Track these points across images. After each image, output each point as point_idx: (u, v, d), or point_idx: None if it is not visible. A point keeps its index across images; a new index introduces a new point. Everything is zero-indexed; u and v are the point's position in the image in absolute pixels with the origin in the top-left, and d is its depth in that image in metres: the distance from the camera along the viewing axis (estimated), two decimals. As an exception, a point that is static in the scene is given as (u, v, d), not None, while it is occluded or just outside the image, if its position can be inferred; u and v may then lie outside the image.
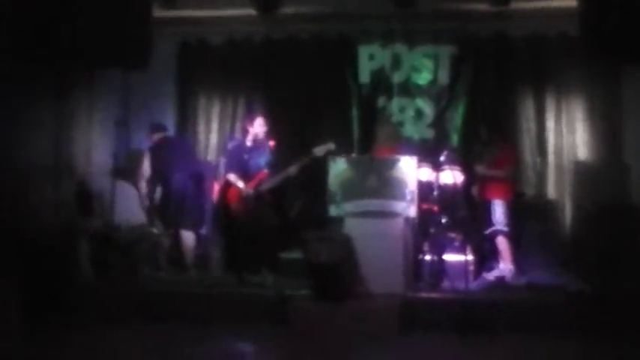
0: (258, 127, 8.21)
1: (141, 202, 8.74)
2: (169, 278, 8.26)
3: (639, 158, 8.88)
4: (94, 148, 9.30)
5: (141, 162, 8.73)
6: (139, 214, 8.80)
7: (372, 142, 9.15)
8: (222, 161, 8.89)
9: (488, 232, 8.19)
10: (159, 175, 8.66)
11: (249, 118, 8.50)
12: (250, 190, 8.05)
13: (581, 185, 8.99)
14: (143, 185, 8.70)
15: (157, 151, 8.73)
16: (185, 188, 8.61)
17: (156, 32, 7.89)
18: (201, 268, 8.71)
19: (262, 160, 8.15)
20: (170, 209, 8.59)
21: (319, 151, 7.91)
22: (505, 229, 8.13)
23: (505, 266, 8.14)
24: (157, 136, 8.85)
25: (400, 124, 9.65)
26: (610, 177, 8.82)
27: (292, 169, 7.96)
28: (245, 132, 8.32)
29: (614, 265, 7.90)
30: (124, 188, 8.76)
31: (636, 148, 9.00)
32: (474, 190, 8.38)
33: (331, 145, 7.94)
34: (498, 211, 8.13)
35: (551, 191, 9.33)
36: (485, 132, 8.54)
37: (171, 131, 9.47)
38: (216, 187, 8.67)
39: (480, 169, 8.28)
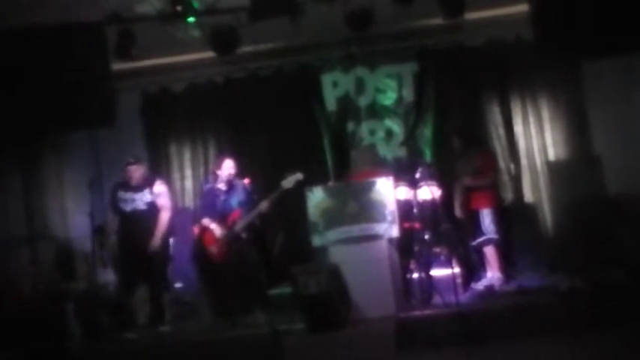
0: (226, 169, 8.16)
1: None
2: (162, 331, 8.15)
3: (609, 149, 8.96)
4: (70, 211, 9.24)
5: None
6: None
7: (346, 168, 9.19)
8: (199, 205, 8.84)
9: (478, 241, 8.21)
10: None
11: (217, 161, 8.49)
12: (224, 231, 8.01)
13: (556, 184, 9.06)
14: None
15: None
16: None
17: (117, 86, 7.91)
18: (190, 317, 8.61)
19: (234, 200, 8.10)
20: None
21: (288, 182, 7.86)
22: (495, 237, 8.17)
23: (493, 274, 8.18)
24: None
25: (372, 146, 9.69)
26: (583, 171, 8.89)
27: (263, 205, 7.90)
28: (215, 175, 8.30)
29: (599, 256, 7.95)
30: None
31: (604, 140, 9.09)
32: (457, 203, 8.40)
33: (299, 175, 7.89)
34: (487, 219, 8.18)
35: (528, 194, 9.40)
36: (457, 143, 8.61)
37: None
38: (196, 233, 8.61)
39: (467, 181, 8.32)
